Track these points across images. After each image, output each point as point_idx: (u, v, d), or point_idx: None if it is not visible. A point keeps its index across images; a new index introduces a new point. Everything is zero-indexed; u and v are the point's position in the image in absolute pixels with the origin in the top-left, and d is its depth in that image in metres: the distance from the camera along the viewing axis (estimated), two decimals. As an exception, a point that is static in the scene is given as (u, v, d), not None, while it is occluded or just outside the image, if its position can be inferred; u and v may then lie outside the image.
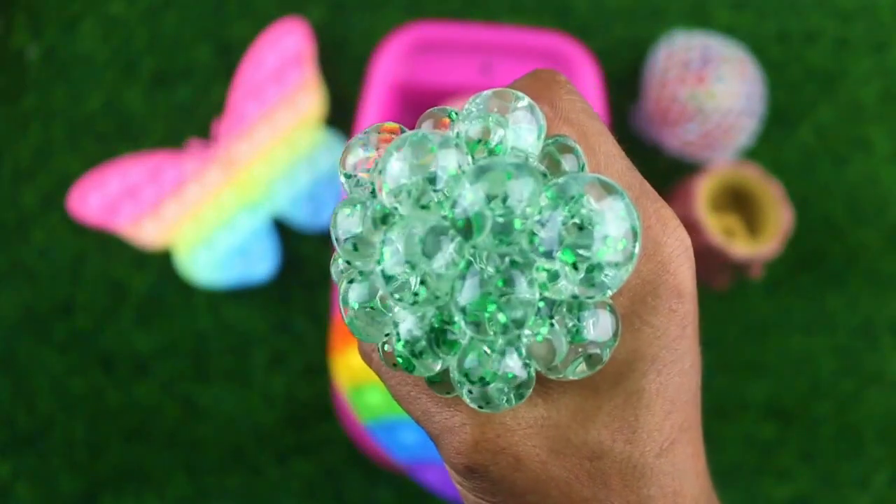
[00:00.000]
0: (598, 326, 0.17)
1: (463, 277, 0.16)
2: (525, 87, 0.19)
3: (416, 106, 0.59)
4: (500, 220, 0.15)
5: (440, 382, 0.18)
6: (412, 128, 0.18)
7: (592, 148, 0.18)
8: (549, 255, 0.16)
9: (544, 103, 0.18)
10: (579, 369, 0.17)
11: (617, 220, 0.16)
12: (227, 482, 0.59)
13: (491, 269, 0.16)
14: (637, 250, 0.16)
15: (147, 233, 0.60)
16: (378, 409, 0.52)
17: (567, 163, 0.17)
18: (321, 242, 0.61)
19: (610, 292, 0.16)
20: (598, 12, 0.65)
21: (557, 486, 0.18)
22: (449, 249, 0.16)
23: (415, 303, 0.16)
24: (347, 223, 0.17)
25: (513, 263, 0.16)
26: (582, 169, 0.17)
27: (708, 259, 0.57)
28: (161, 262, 0.61)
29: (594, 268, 0.16)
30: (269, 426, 0.59)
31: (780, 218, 0.57)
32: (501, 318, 0.15)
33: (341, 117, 0.62)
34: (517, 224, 0.15)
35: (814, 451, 0.60)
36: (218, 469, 0.59)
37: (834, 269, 0.63)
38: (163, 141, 0.62)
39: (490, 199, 0.15)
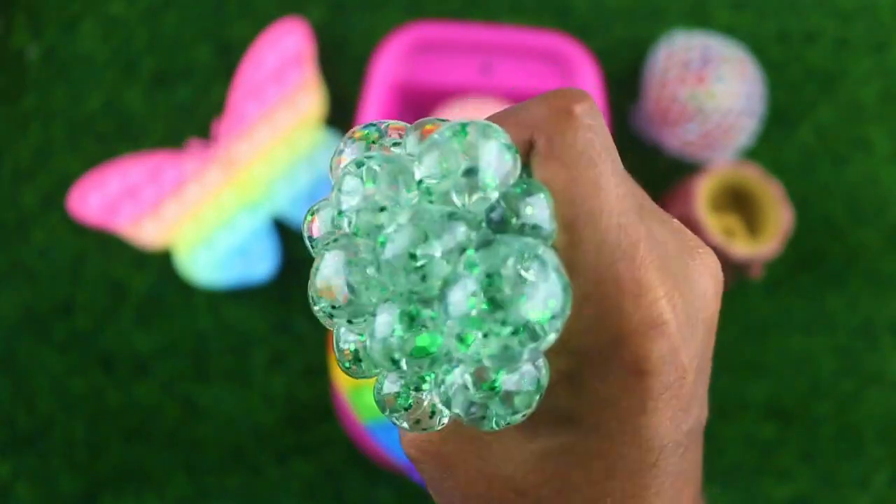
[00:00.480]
0: (519, 376, 0.16)
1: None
2: (532, 110, 0.17)
3: (416, 106, 0.59)
4: (419, 273, 0.15)
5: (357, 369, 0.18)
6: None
7: (573, 201, 0.16)
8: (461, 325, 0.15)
9: (542, 136, 0.17)
10: (499, 418, 0.16)
11: (540, 294, 0.15)
12: (227, 482, 0.59)
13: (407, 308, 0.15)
14: (559, 326, 0.15)
15: (147, 233, 0.60)
16: (378, 410, 0.52)
17: (534, 209, 0.16)
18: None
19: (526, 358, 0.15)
20: (598, 12, 0.65)
21: (483, 502, 0.19)
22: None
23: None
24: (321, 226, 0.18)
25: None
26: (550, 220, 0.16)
27: (708, 259, 0.56)
28: (161, 262, 0.61)
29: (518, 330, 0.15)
30: (269, 426, 0.59)
31: (780, 218, 0.57)
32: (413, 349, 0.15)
33: (341, 117, 0.62)
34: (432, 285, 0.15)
35: (814, 451, 0.60)
36: (218, 469, 0.59)
37: (834, 269, 0.63)
38: (163, 141, 0.62)
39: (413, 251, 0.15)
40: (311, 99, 0.61)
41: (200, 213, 0.60)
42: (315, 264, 0.16)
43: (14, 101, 0.63)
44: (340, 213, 0.16)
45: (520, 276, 0.14)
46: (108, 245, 0.61)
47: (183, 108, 0.63)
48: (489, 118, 0.18)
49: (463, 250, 0.15)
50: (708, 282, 0.18)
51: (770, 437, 0.60)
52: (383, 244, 0.15)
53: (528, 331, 0.14)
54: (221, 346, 0.60)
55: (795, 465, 0.60)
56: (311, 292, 0.16)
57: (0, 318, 0.60)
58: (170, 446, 0.59)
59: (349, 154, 0.18)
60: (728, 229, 0.59)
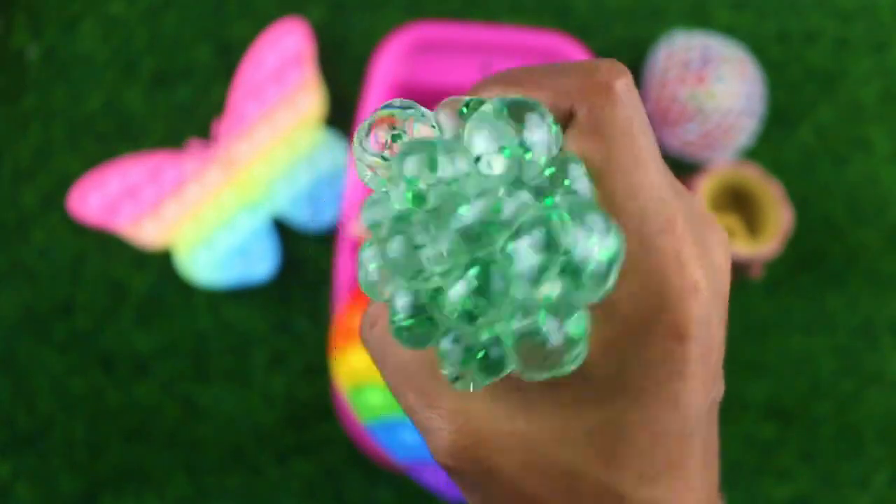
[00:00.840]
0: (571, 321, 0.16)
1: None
2: (573, 79, 0.18)
3: (416, 106, 0.59)
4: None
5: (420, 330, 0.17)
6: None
7: (615, 171, 0.17)
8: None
9: (583, 108, 0.17)
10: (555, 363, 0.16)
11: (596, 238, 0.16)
12: (227, 482, 0.59)
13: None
14: (613, 277, 0.16)
15: (147, 233, 0.60)
16: (378, 409, 0.52)
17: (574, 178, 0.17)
18: (321, 242, 0.61)
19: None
20: (598, 12, 0.65)
21: (532, 500, 0.18)
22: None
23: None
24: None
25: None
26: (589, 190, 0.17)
27: (708, 259, 0.56)
28: (161, 262, 0.61)
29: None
30: (269, 426, 0.59)
31: (780, 218, 0.57)
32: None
33: (341, 117, 0.62)
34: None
35: (814, 451, 0.60)
36: (218, 469, 0.59)
37: (834, 269, 0.63)
38: (163, 141, 0.62)
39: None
40: (311, 99, 0.61)
41: (200, 213, 0.60)
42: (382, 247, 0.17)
43: (14, 101, 0.63)
44: (417, 193, 0.16)
45: (582, 220, 0.15)
46: (108, 245, 0.61)
47: (183, 108, 0.63)
48: (529, 77, 0.18)
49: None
50: (722, 255, 0.19)
51: (770, 437, 0.60)
52: (460, 215, 0.16)
53: (591, 273, 0.15)
54: (221, 346, 0.60)
55: (795, 465, 0.60)
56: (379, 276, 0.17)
57: (0, 318, 0.60)
58: (170, 446, 0.59)
59: (376, 138, 0.18)
60: (728, 229, 0.59)
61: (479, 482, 0.18)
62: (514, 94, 0.18)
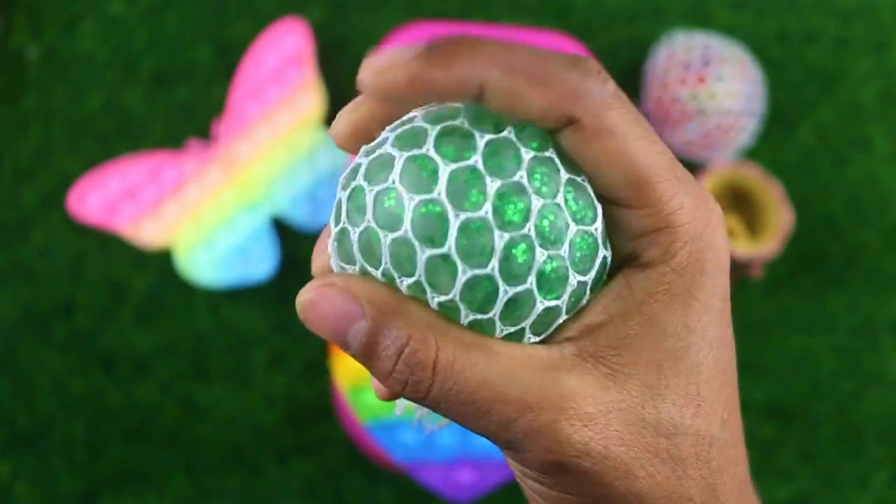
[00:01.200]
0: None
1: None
2: (571, 80, 0.18)
3: (416, 106, 0.59)
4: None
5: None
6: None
7: (634, 156, 0.18)
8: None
9: (587, 112, 0.18)
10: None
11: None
12: (227, 482, 0.59)
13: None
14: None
15: (147, 233, 0.60)
16: (378, 409, 0.52)
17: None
18: (321, 242, 0.61)
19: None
20: (598, 12, 0.65)
21: (643, 468, 0.18)
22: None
23: None
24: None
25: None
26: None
27: (708, 259, 0.56)
28: (161, 262, 0.61)
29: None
30: (269, 426, 0.59)
31: (780, 218, 0.57)
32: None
33: (341, 117, 0.62)
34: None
35: (814, 451, 0.60)
36: (218, 469, 0.59)
37: (834, 269, 0.63)
38: (163, 141, 0.62)
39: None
40: (311, 99, 0.61)
41: (200, 213, 0.60)
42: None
43: (14, 101, 0.63)
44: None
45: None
46: (108, 245, 0.61)
47: (183, 108, 0.63)
48: (533, 68, 0.18)
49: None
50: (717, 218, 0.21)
51: (770, 437, 0.60)
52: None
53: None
54: (221, 346, 0.60)
55: (795, 465, 0.60)
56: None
57: (0, 318, 0.60)
58: (170, 446, 0.59)
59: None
60: (728, 229, 0.59)
61: (594, 465, 0.18)
62: (510, 85, 0.18)
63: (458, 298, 0.18)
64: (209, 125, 0.62)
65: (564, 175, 0.18)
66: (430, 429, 0.23)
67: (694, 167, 0.61)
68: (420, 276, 0.18)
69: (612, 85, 0.19)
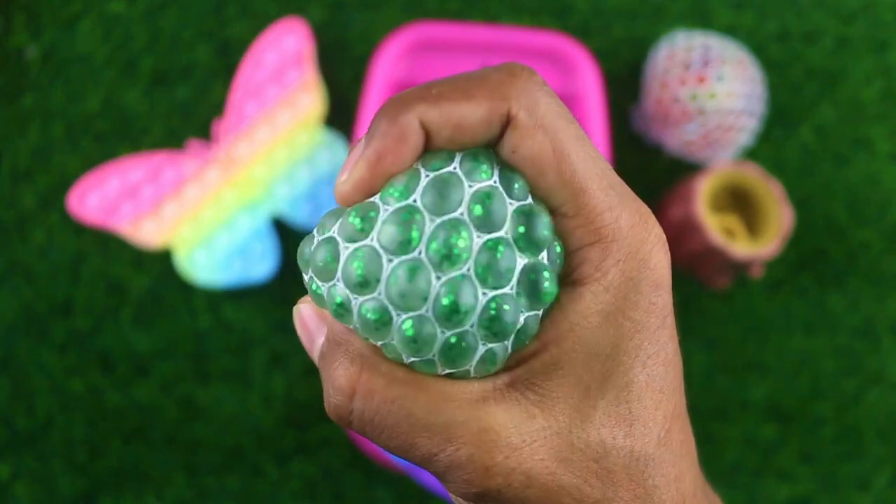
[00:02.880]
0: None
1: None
2: (501, 83, 0.19)
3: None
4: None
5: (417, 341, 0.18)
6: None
7: (569, 154, 0.18)
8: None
9: (522, 107, 0.18)
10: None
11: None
12: (227, 482, 0.59)
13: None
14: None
15: (147, 233, 0.60)
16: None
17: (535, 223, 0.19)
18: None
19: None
20: (598, 12, 0.65)
21: (569, 494, 0.18)
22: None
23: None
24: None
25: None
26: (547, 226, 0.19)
27: (708, 259, 0.56)
28: (161, 262, 0.61)
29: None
30: (269, 426, 0.59)
31: (780, 218, 0.57)
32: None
33: (341, 117, 0.62)
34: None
35: (814, 451, 0.60)
36: (218, 469, 0.59)
37: (834, 269, 0.63)
38: (163, 141, 0.62)
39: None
40: (311, 99, 0.61)
41: (200, 213, 0.60)
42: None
43: (13, 101, 0.63)
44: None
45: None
46: (107, 245, 0.61)
47: (183, 108, 0.63)
48: (453, 90, 0.19)
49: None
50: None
51: (770, 437, 0.60)
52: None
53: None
54: (221, 346, 0.60)
55: (795, 465, 0.60)
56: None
57: (0, 318, 0.60)
58: (169, 447, 0.59)
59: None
60: (728, 229, 0.59)
61: (516, 495, 0.18)
62: (443, 110, 0.18)
63: (393, 341, 0.18)
64: (209, 125, 0.62)
65: (509, 205, 0.18)
66: None
67: (694, 167, 0.61)
68: (357, 323, 0.18)
69: (540, 80, 0.19)
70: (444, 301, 0.17)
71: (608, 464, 0.18)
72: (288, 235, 0.61)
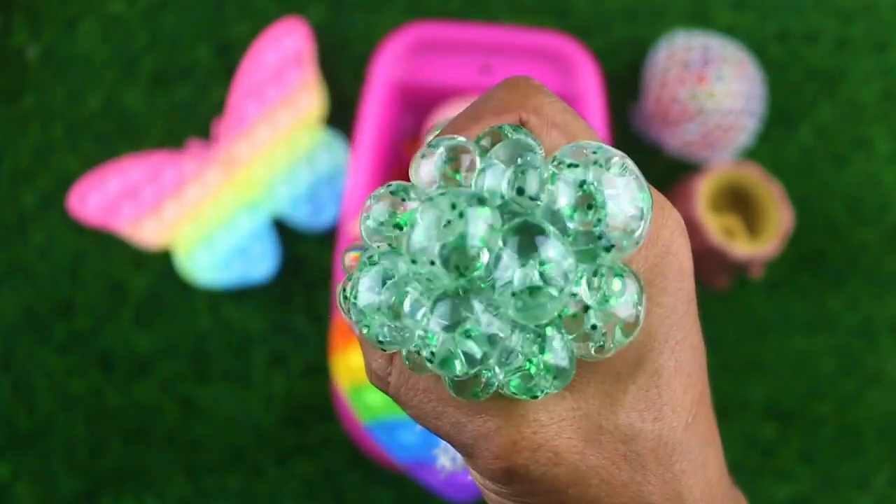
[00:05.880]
0: (624, 289, 0.17)
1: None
2: (504, 98, 0.20)
3: (416, 106, 0.59)
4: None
5: (464, 384, 0.18)
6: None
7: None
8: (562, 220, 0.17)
9: (530, 112, 0.19)
10: (617, 338, 0.17)
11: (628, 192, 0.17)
12: (227, 482, 0.59)
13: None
14: (648, 218, 0.17)
15: (147, 233, 0.60)
16: (378, 409, 0.52)
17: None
18: (321, 242, 0.61)
19: (621, 254, 0.17)
20: (598, 12, 0.65)
21: (597, 475, 0.18)
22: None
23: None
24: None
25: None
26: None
27: (708, 259, 0.57)
28: (161, 262, 0.61)
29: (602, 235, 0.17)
30: (269, 426, 0.59)
31: (780, 218, 0.57)
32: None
33: (341, 117, 0.62)
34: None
35: (814, 451, 0.60)
36: (218, 469, 0.59)
37: (834, 269, 0.63)
38: (163, 141, 0.62)
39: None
40: (311, 99, 0.61)
41: (200, 213, 0.60)
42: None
43: (14, 101, 0.63)
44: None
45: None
46: (108, 245, 0.61)
47: (183, 108, 0.63)
48: (465, 119, 0.20)
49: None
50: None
51: (770, 437, 0.60)
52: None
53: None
54: (221, 346, 0.60)
55: (795, 465, 0.60)
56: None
57: (0, 318, 0.60)
58: (169, 446, 0.59)
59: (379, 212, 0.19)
60: (728, 229, 0.59)
61: (544, 472, 0.18)
62: (460, 138, 0.19)
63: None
64: (209, 125, 0.62)
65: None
66: (448, 471, 0.24)
67: (694, 167, 0.61)
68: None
69: (538, 84, 0.20)
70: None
71: (637, 447, 0.19)
72: (288, 235, 0.61)
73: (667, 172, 0.62)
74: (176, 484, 0.59)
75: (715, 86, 0.56)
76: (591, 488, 0.18)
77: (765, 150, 0.63)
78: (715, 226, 0.56)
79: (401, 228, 0.18)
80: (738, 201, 0.60)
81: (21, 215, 0.61)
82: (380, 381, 0.20)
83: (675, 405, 0.19)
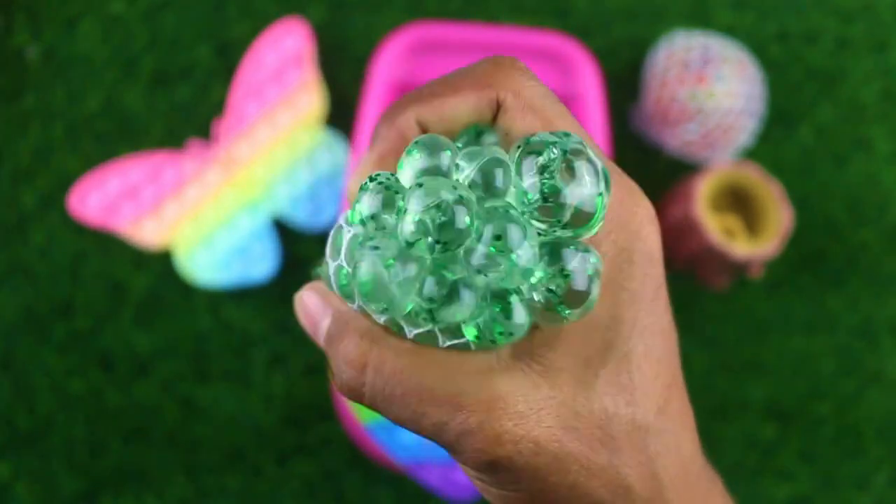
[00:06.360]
0: (581, 260, 0.18)
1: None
2: (487, 73, 0.20)
3: (416, 106, 0.59)
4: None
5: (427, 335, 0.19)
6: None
7: (555, 127, 0.20)
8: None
9: (508, 92, 0.20)
10: (573, 308, 0.18)
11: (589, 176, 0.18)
12: (227, 482, 0.59)
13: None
14: (606, 197, 0.18)
15: (147, 233, 0.60)
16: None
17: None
18: (321, 242, 0.61)
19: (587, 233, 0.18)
20: (598, 12, 0.65)
21: (576, 460, 0.19)
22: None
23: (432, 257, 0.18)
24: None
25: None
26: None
27: (708, 259, 0.57)
28: (161, 262, 0.61)
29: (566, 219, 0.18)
30: (269, 426, 0.59)
31: (780, 218, 0.57)
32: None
33: (341, 117, 0.62)
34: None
35: (814, 451, 0.60)
36: (218, 469, 0.59)
37: (834, 269, 0.63)
38: (163, 141, 0.62)
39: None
40: (311, 99, 0.61)
41: (200, 213, 0.60)
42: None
43: (14, 101, 0.63)
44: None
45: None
46: (108, 245, 0.61)
47: (183, 108, 0.63)
48: (443, 87, 0.20)
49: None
50: None
51: (770, 437, 0.60)
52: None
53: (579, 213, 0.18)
54: (221, 346, 0.60)
55: (795, 465, 0.60)
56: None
57: (0, 317, 0.60)
58: (170, 446, 0.59)
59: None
60: (728, 229, 0.59)
61: (527, 462, 0.18)
62: (434, 106, 0.20)
63: (397, 317, 0.19)
64: (209, 125, 0.62)
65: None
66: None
67: (694, 167, 0.61)
68: (359, 301, 0.19)
69: (523, 66, 0.20)
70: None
71: (612, 431, 0.19)
72: (288, 235, 0.61)
73: (667, 172, 0.62)
74: (176, 484, 0.59)
75: (715, 86, 0.56)
76: (570, 474, 0.19)
77: (765, 150, 0.63)
78: (715, 226, 0.56)
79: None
80: (738, 201, 0.60)
81: (21, 215, 0.61)
82: (353, 392, 0.20)
83: (647, 389, 0.19)
